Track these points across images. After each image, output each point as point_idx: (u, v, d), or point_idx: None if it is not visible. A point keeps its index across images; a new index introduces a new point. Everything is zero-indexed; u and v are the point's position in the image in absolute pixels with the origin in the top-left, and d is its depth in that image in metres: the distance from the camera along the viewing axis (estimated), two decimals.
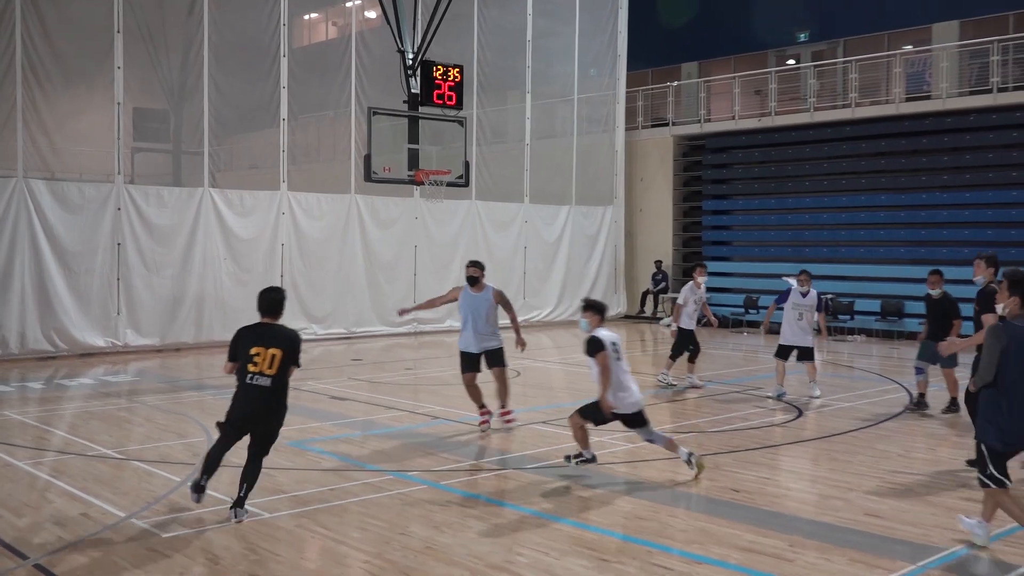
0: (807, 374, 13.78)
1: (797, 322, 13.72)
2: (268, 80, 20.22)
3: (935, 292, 12.38)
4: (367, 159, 15.90)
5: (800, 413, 12.42)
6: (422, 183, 16.58)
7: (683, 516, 7.75)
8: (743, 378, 15.61)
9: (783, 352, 13.77)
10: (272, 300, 7.74)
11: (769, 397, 13.61)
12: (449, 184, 17.03)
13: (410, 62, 16.48)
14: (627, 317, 27.31)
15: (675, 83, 28.30)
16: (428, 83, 16.22)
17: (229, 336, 7.94)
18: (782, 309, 14.03)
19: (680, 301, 14.91)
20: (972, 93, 22.43)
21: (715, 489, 8.54)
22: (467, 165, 17.41)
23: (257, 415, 7.48)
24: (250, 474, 7.46)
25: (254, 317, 7.85)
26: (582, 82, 26.45)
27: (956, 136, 22.51)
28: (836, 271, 23.42)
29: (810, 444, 10.71)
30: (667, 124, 27.77)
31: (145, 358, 17.89)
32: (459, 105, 16.69)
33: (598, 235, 26.80)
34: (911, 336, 21.98)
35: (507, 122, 25.65)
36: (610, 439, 10.62)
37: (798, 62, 27.18)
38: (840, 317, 22.78)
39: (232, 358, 7.63)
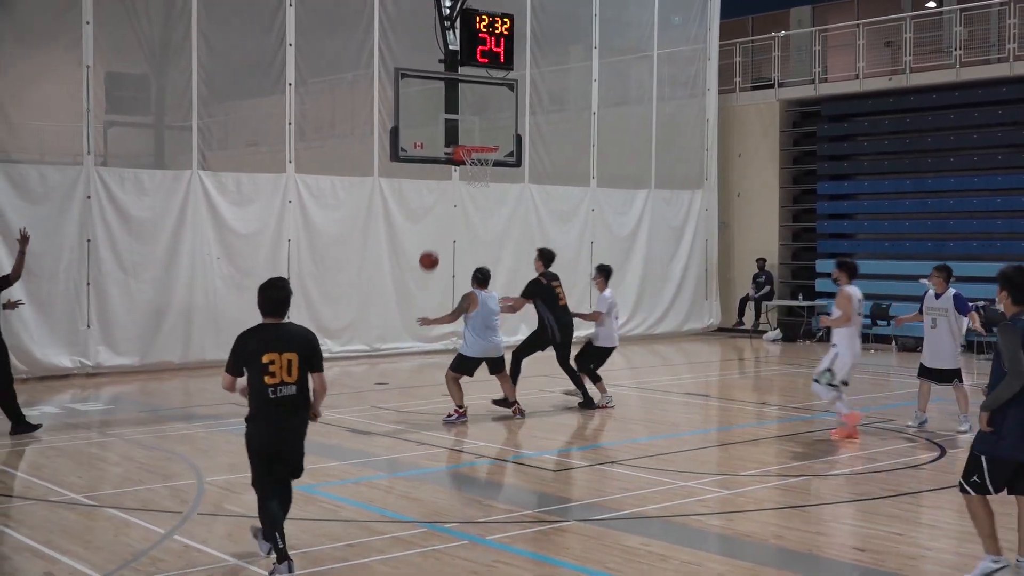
0: (956, 402, 13.60)
1: (931, 330, 13.52)
2: (271, 35, 20.45)
3: None
4: (394, 133, 16.03)
5: (943, 452, 12.29)
6: (462, 162, 16.68)
7: None
8: (869, 407, 15.45)
9: (925, 371, 13.63)
10: (276, 298, 7.77)
11: (909, 426, 13.46)
12: (496, 164, 17.11)
13: (447, 11, 16.59)
14: (721, 330, 27.16)
15: (782, 33, 28.13)
16: (470, 37, 16.32)
17: (223, 355, 8.09)
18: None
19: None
20: None
21: (833, 547, 8.51)
22: (518, 140, 17.47)
23: (288, 434, 7.66)
24: (284, 511, 7.68)
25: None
26: (663, 33, 26.37)
27: None
28: (987, 271, 23.07)
29: (957, 492, 10.57)
30: (772, 86, 27.61)
31: (121, 382, 18.17)
32: (509, 65, 16.76)
33: (684, 227, 26.74)
34: None
35: (569, 86, 25.66)
36: (698, 484, 10.63)
37: (941, 4, 26.86)
38: (994, 330, 22.44)
39: (234, 371, 7.68)
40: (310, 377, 7.73)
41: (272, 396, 7.49)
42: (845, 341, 13.09)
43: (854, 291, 12.90)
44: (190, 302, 19.45)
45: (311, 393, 7.74)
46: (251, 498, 8.00)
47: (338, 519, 9.43)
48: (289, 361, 7.50)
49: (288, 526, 8.95)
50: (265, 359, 7.47)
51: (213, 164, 20.09)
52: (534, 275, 15.37)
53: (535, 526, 9.15)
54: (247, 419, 7.68)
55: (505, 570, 7.87)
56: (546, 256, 15.46)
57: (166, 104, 20.81)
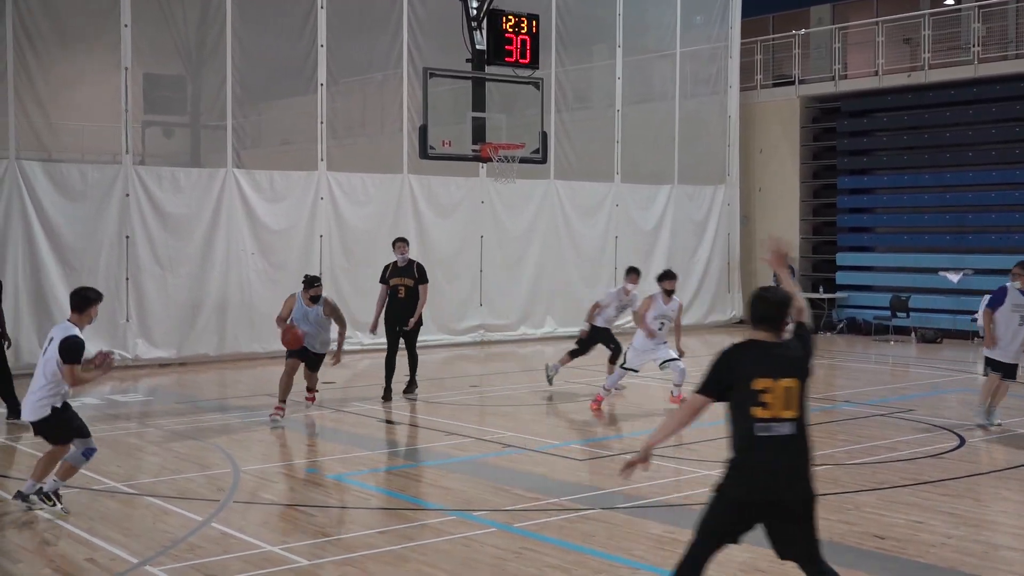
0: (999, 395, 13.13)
1: (1019, 327, 12.84)
2: (303, 37, 20.47)
3: None
4: (423, 131, 16.06)
5: (962, 441, 12.21)
6: (490, 159, 16.69)
7: None
8: (889, 398, 15.37)
9: (1002, 367, 12.98)
10: (777, 302, 6.10)
11: (989, 424, 13.01)
12: (523, 160, 17.10)
13: (474, 12, 16.59)
14: (743, 322, 27.05)
15: (803, 31, 28.00)
16: (497, 37, 16.33)
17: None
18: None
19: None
20: None
21: (854, 535, 8.46)
22: (544, 137, 17.45)
23: (782, 483, 5.87)
24: None
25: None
26: (685, 32, 26.31)
27: None
28: (1006, 263, 22.88)
29: (977, 480, 10.55)
30: (792, 83, 27.50)
31: (159, 374, 18.28)
32: (534, 64, 16.75)
33: (707, 221, 26.67)
34: None
35: (593, 84, 25.60)
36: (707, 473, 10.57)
37: (959, 2, 26.66)
38: None
39: (712, 391, 5.92)
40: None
41: (757, 434, 5.80)
42: None
43: None
44: (225, 296, 19.49)
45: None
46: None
47: (368, 507, 9.45)
48: (788, 389, 5.85)
49: (319, 514, 8.99)
50: (758, 384, 5.83)
51: (247, 162, 20.12)
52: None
53: (562, 514, 9.14)
54: (733, 464, 5.93)
55: (532, 557, 7.87)
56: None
57: (201, 104, 20.89)
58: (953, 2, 26.63)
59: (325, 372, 14.05)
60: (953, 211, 24.74)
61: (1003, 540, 8.38)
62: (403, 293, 14.61)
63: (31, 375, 9.10)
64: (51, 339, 8.93)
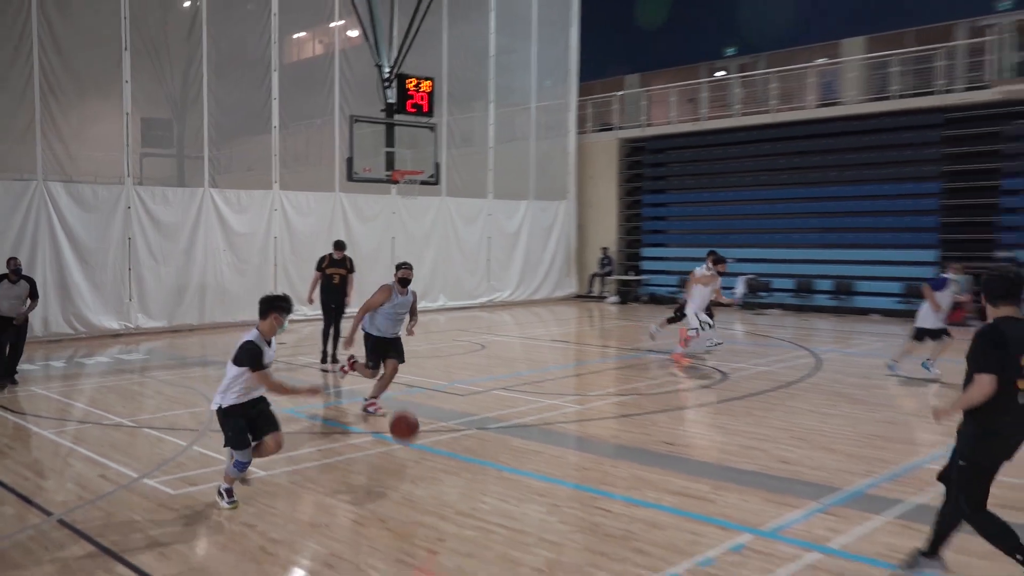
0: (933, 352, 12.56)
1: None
2: (261, 92, 19.99)
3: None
4: (349, 162, 15.90)
5: (725, 376, 12.62)
6: (398, 182, 16.61)
7: (623, 467, 7.87)
8: (677, 348, 15.76)
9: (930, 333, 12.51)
10: (1018, 279, 4.97)
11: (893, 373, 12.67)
12: (422, 183, 17.07)
13: (386, 75, 16.45)
14: (578, 297, 27.47)
15: (620, 93, 28.39)
16: (402, 94, 16.22)
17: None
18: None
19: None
20: (874, 100, 22.75)
21: (651, 443, 8.71)
22: (437, 166, 17.41)
23: None
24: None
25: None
26: (539, 92, 26.45)
27: (860, 137, 22.79)
28: (757, 254, 23.72)
29: (734, 403, 10.89)
30: (613, 128, 27.86)
31: (155, 338, 17.75)
32: (430, 113, 16.70)
33: (553, 226, 26.88)
34: (819, 310, 22.37)
35: (473, 128, 25.59)
36: (561, 402, 10.77)
37: (727, 73, 27.36)
38: (760, 294, 23.10)
39: (995, 368, 4.74)
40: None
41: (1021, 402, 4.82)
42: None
43: None
44: (204, 281, 19.01)
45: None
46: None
47: (310, 432, 9.35)
48: None
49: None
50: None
51: (220, 183, 19.58)
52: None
53: (448, 434, 9.19)
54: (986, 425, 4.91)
55: (428, 464, 7.91)
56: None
57: (185, 141, 20.25)
58: (723, 73, 27.34)
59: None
60: (720, 218, 25.39)
61: (750, 443, 8.70)
62: (337, 280, 14.37)
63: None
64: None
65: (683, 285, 24.18)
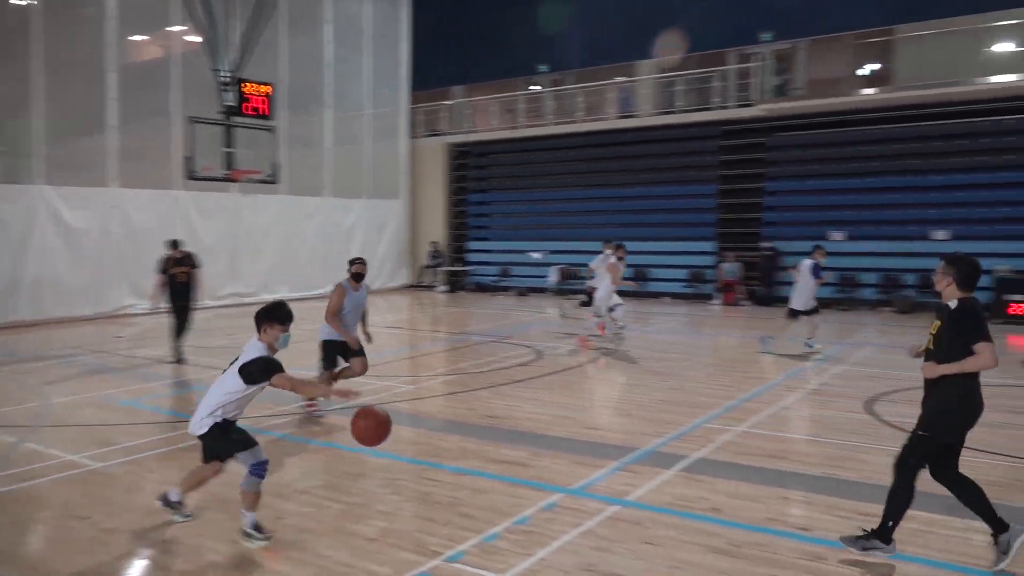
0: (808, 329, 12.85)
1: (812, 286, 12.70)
2: (98, 92, 18.39)
3: None
4: (187, 160, 14.92)
5: (540, 355, 12.84)
6: (237, 181, 15.77)
7: (451, 440, 7.83)
8: (499, 331, 15.95)
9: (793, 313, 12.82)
10: (979, 269, 4.74)
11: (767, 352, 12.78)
12: (261, 181, 16.30)
13: (227, 78, 15.56)
14: (410, 287, 27.26)
15: (448, 102, 28.31)
16: (241, 97, 15.40)
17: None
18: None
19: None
20: (663, 113, 23.89)
21: (476, 417, 8.73)
22: (276, 166, 16.70)
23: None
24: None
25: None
26: (373, 99, 25.93)
27: (651, 145, 23.91)
28: (568, 247, 24.39)
29: (549, 378, 11.06)
30: (441, 134, 27.77)
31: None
32: (270, 116, 15.97)
33: (387, 223, 26.47)
34: (620, 294, 23.21)
35: (312, 131, 24.72)
36: (395, 383, 10.60)
37: (542, 88, 27.88)
38: (570, 281, 23.76)
39: (990, 338, 4.57)
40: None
41: None
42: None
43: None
44: (39, 277, 17.22)
45: None
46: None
47: (148, 423, 8.69)
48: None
49: (109, 431, 8.16)
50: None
51: (56, 180, 17.79)
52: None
53: (290, 417, 8.83)
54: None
55: (271, 448, 7.50)
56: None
57: (18, 139, 18.26)
58: (539, 88, 27.83)
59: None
60: (538, 216, 25.89)
61: (562, 412, 8.89)
62: (183, 278, 13.31)
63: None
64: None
65: (505, 274, 24.56)
